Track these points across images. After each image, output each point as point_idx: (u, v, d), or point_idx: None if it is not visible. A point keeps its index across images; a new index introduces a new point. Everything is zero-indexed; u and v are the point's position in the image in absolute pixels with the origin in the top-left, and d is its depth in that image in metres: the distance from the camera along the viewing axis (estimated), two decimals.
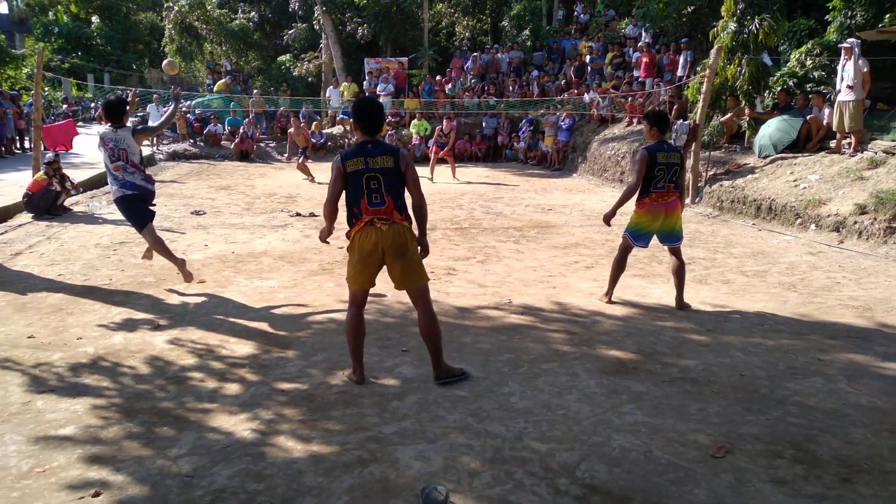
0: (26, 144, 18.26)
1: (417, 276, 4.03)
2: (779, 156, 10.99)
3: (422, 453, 3.28)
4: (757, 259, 7.61)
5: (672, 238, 5.65)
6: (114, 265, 7.04)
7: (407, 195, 4.00)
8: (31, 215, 9.70)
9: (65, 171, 10.68)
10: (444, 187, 14.17)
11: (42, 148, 11.43)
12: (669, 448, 3.34)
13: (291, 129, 18.19)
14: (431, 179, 15.07)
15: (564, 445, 3.36)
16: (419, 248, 4.09)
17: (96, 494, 2.90)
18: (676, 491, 2.97)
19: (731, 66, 11.73)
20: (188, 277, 6.12)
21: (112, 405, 3.79)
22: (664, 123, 5.55)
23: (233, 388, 4.05)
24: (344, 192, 3.94)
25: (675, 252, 5.70)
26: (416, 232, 4.08)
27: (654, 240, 5.73)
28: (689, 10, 16.46)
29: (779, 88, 12.17)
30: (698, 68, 13.49)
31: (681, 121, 12.55)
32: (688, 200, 11.59)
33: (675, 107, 13.98)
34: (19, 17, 47.38)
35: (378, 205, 3.85)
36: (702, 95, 11.54)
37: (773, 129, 11.32)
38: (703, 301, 5.96)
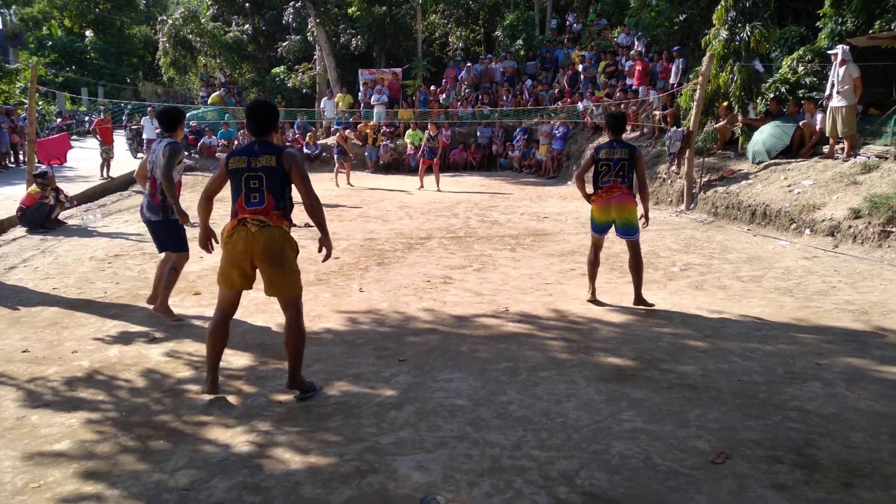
0: (20, 158, 18.23)
1: (288, 283, 3.89)
2: (772, 162, 11.04)
3: (420, 463, 3.26)
4: (752, 264, 7.62)
5: (625, 231, 5.87)
6: (109, 278, 7.01)
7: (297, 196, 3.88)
8: (25, 229, 9.66)
9: (59, 184, 10.65)
10: (440, 196, 14.19)
11: (36, 161, 11.41)
12: (669, 454, 3.33)
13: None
14: (421, 186, 15.50)
15: (564, 453, 3.34)
16: (320, 247, 3.95)
17: None
18: (677, 498, 2.95)
19: (724, 74, 11.80)
20: (163, 307, 5.60)
21: (108, 419, 3.76)
22: (617, 123, 5.99)
23: (229, 400, 4.02)
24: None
25: (631, 246, 5.89)
26: (291, 234, 3.92)
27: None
28: (681, 18, 16.55)
29: (771, 95, 12.22)
30: (691, 76, 13.56)
31: (674, 128, 12.63)
32: (682, 207, 11.64)
33: (668, 114, 14.04)
34: (13, 32, 47.47)
35: (256, 204, 3.80)
36: (695, 103, 11.61)
37: (766, 135, 11.37)
38: (699, 307, 5.96)
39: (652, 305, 5.84)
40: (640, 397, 4.03)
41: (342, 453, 3.36)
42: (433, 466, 3.23)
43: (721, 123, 12.43)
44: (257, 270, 3.90)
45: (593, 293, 6.13)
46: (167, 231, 5.52)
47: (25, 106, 16.82)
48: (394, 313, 5.82)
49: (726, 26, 11.69)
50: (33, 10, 46.92)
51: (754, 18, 11.45)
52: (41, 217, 9.75)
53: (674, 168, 12.67)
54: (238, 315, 5.71)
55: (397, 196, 14.36)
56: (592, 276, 6.16)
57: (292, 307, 3.94)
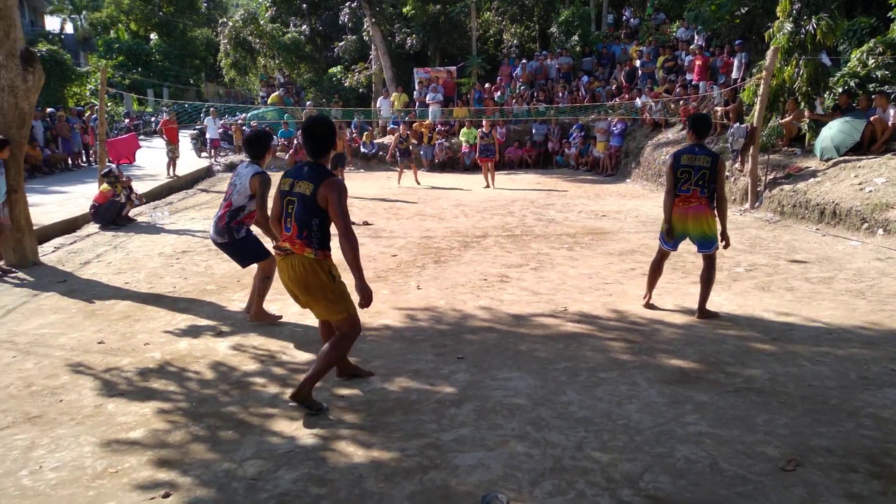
0: (91, 158, 19.01)
1: (324, 309, 3.86)
2: (841, 158, 10.62)
3: (481, 461, 3.27)
4: (822, 265, 7.36)
5: (703, 244, 5.54)
6: (177, 273, 7.25)
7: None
8: (97, 226, 10.08)
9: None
10: (495, 194, 14.17)
11: (107, 161, 11.89)
12: (736, 460, 3.25)
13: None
14: (487, 186, 15.43)
15: (626, 456, 3.31)
16: (360, 301, 3.72)
17: (166, 495, 2.99)
18: None
19: (789, 68, 11.42)
20: (258, 316, 5.54)
21: (178, 409, 3.90)
22: (701, 127, 5.53)
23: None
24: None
25: (707, 258, 5.60)
26: (326, 264, 3.77)
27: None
28: (743, 11, 16.08)
29: (840, 89, 11.74)
30: (754, 70, 13.16)
31: (737, 124, 12.28)
32: (747, 205, 11.32)
33: (730, 110, 13.66)
34: (84, 37, 49.50)
35: (287, 230, 3.76)
36: (758, 98, 11.26)
37: (834, 131, 10.95)
38: (766, 309, 5.79)
39: (717, 316, 5.64)
40: (704, 401, 3.94)
41: (404, 448, 3.40)
42: (494, 465, 3.23)
43: (787, 119, 12.03)
44: None
45: (649, 298, 5.93)
46: (237, 249, 5.46)
47: (96, 107, 17.52)
48: (451, 311, 5.84)
49: (791, 18, 11.30)
50: (102, 14, 48.82)
51: (821, 10, 11.04)
52: (113, 214, 10.15)
53: (737, 165, 12.32)
54: (301, 308, 5.87)
55: (453, 194, 14.40)
56: (652, 282, 5.94)
57: (340, 328, 3.86)
